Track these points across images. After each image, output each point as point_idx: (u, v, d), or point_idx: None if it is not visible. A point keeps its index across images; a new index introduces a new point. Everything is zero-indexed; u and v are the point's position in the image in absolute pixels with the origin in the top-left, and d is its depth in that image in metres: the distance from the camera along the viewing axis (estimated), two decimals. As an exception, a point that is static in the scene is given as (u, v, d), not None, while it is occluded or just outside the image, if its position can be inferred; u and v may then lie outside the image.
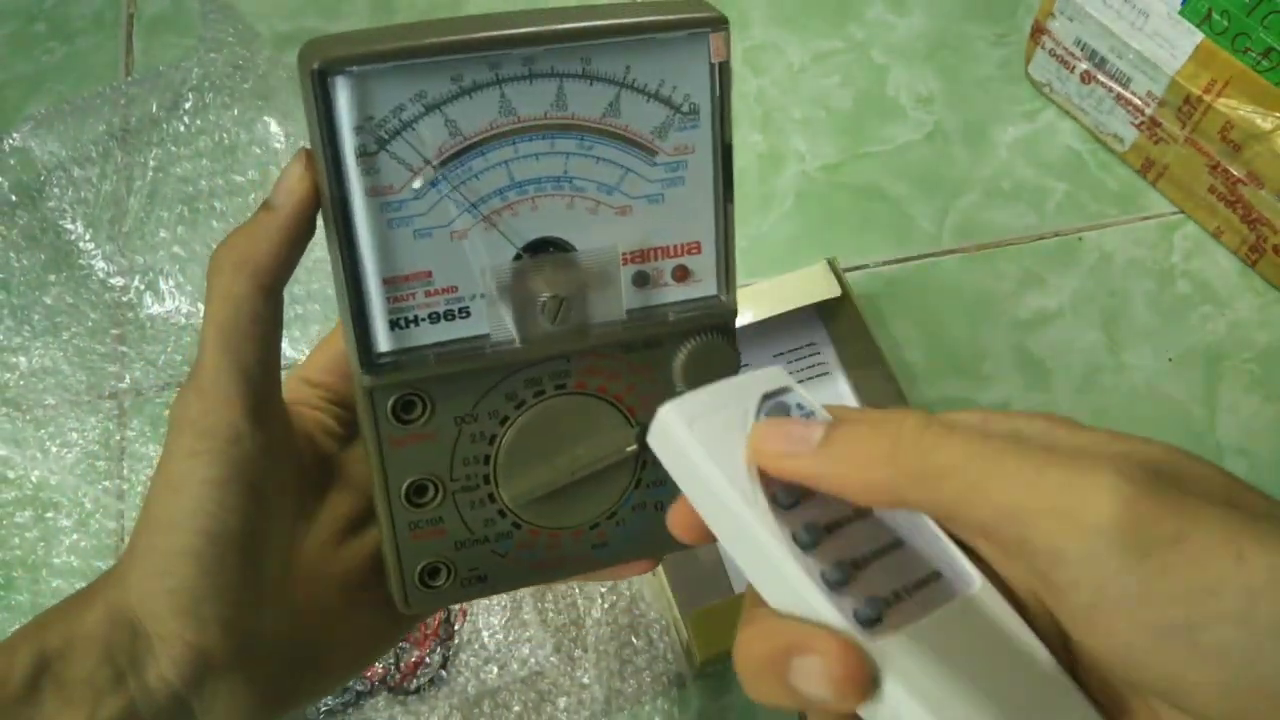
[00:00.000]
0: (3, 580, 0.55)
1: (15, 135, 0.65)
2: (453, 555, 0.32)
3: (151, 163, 0.66)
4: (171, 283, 0.63)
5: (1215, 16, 0.60)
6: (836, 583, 0.24)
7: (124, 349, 0.61)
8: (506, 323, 0.29)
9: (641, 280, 0.30)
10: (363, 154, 0.27)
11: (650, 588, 0.53)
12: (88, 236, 0.64)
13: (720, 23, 0.28)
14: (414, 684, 0.51)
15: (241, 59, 0.68)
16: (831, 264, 0.57)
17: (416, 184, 0.27)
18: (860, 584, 0.24)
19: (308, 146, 0.28)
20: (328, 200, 0.27)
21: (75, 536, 0.56)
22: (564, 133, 0.28)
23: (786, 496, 0.25)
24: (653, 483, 0.33)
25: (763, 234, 0.66)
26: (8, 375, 0.60)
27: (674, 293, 0.30)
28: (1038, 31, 0.70)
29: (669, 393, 0.30)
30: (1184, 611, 0.20)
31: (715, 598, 0.51)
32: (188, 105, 0.67)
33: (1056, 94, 0.71)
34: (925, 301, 0.64)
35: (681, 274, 0.30)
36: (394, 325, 0.28)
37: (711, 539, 0.27)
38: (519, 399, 0.30)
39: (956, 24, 0.75)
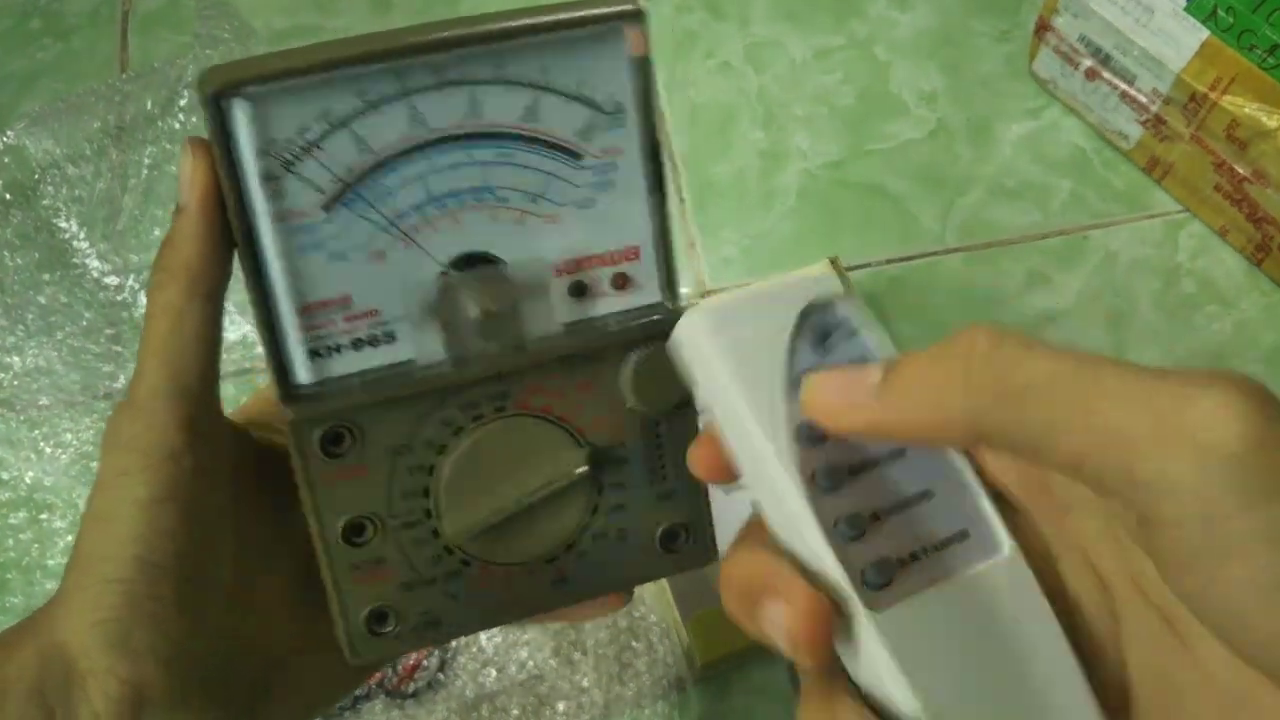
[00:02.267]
0: (-4, 583, 0.54)
1: (10, 133, 0.65)
2: (400, 598, 0.30)
3: (146, 160, 0.65)
4: (167, 282, 0.62)
5: (1220, 13, 0.59)
6: (850, 537, 0.22)
7: (119, 349, 0.61)
8: (435, 344, 0.28)
9: (579, 291, 0.28)
10: (268, 178, 0.25)
11: (650, 590, 0.53)
12: (82, 235, 0.63)
13: (635, 15, 0.26)
14: (411, 687, 0.51)
15: (238, 55, 0.67)
16: (834, 263, 0.57)
17: (327, 206, 0.26)
18: (875, 540, 0.23)
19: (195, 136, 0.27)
20: (235, 227, 0.26)
21: (70, 539, 0.55)
22: (480, 141, 0.26)
23: (814, 429, 0.23)
24: (614, 508, 0.30)
25: (764, 232, 0.65)
26: (1, 375, 0.60)
27: (615, 302, 0.29)
28: (1042, 28, 0.69)
29: (617, 409, 0.29)
30: None
31: (717, 601, 0.50)
32: (183, 102, 0.67)
33: (1061, 91, 0.70)
34: (929, 301, 0.64)
35: (621, 282, 0.29)
36: (313, 354, 0.27)
37: (731, 479, 0.25)
38: (456, 425, 0.28)
39: (960, 20, 0.75)
